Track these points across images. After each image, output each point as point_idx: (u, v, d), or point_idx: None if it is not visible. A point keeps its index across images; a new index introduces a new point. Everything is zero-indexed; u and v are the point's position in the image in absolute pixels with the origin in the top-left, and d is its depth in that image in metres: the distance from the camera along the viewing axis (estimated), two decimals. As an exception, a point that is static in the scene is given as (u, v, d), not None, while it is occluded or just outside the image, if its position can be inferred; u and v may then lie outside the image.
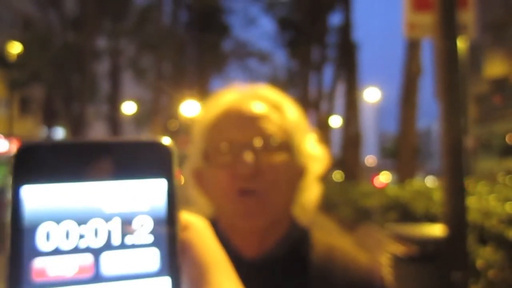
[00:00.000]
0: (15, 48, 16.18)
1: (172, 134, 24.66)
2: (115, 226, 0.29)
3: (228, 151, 0.84)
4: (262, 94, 0.90)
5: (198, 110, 21.45)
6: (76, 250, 0.28)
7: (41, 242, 0.28)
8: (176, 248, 0.29)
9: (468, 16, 3.71)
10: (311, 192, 0.91)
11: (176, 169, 0.30)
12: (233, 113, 0.86)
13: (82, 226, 0.28)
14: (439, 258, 3.07)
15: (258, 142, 0.83)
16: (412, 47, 9.91)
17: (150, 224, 0.29)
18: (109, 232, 0.29)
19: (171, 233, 0.29)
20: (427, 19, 3.71)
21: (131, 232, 0.29)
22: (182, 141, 24.64)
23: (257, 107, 0.87)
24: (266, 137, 0.84)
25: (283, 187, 0.85)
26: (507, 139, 21.12)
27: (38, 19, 17.48)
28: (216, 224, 0.89)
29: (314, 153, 0.91)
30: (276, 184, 0.83)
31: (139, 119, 26.15)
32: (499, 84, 21.52)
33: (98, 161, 0.29)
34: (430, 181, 17.81)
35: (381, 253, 3.70)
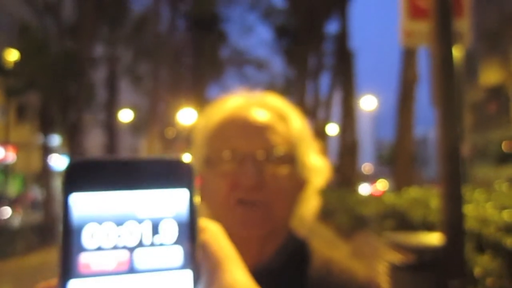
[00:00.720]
0: (12, 55, 16.16)
1: (169, 142, 24.64)
2: (146, 227, 0.34)
3: (230, 159, 0.82)
4: (268, 103, 0.88)
5: (195, 118, 21.45)
6: (115, 247, 0.34)
7: (86, 240, 0.33)
8: (195, 246, 0.35)
9: (463, 25, 3.73)
10: (310, 205, 0.90)
11: (195, 182, 0.36)
12: (238, 120, 0.84)
13: (120, 227, 0.34)
14: (437, 266, 3.06)
15: (262, 153, 0.82)
16: (409, 55, 9.96)
17: (174, 227, 0.35)
18: (141, 233, 0.34)
19: (191, 234, 0.35)
20: (423, 27, 3.73)
21: (159, 233, 0.35)
22: (179, 148, 24.61)
23: (262, 116, 0.85)
24: (270, 148, 0.82)
25: (285, 199, 0.84)
26: (503, 147, 21.19)
27: (35, 26, 17.48)
28: None
29: (317, 166, 0.89)
30: (278, 197, 0.82)
31: (136, 126, 26.12)
32: (495, 92, 21.64)
33: (133, 174, 0.35)
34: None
35: (378, 261, 3.68)
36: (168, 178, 0.36)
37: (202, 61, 26.48)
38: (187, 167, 0.36)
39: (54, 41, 17.06)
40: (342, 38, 18.42)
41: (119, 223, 0.34)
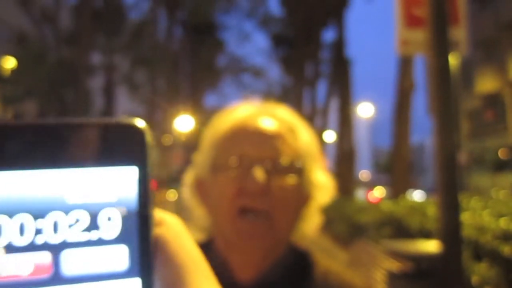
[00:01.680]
0: (9, 63, 16.17)
1: (166, 149, 24.61)
2: (78, 220, 0.25)
3: (237, 165, 0.81)
4: (278, 114, 0.88)
5: (192, 125, 21.47)
6: (32, 247, 0.25)
7: None
8: (148, 246, 0.26)
9: (459, 33, 3.76)
10: (312, 221, 0.90)
11: (150, 156, 0.27)
12: (248, 128, 0.84)
13: (39, 220, 0.25)
14: (434, 275, 3.05)
15: (269, 161, 0.81)
16: (405, 63, 10.01)
17: (118, 218, 0.26)
18: (71, 227, 0.25)
19: (142, 228, 0.26)
20: (419, 35, 3.75)
21: (96, 227, 0.26)
22: (176, 156, 24.58)
23: (272, 126, 0.85)
24: (278, 157, 0.82)
25: (288, 210, 0.83)
26: (499, 154, 21.25)
27: (33, 35, 17.51)
28: (212, 243, 0.86)
29: (321, 182, 0.89)
30: (282, 207, 0.81)
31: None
32: (491, 100, 21.74)
33: (59, 145, 0.25)
34: (420, 197, 17.81)
35: (375, 269, 3.67)
36: (110, 150, 0.26)
37: (199, 69, 26.54)
38: (138, 134, 0.26)
39: (51, 49, 17.08)
40: (338, 46, 18.51)
41: (39, 214, 0.25)
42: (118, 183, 0.26)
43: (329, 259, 0.94)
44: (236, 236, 0.80)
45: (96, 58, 20.30)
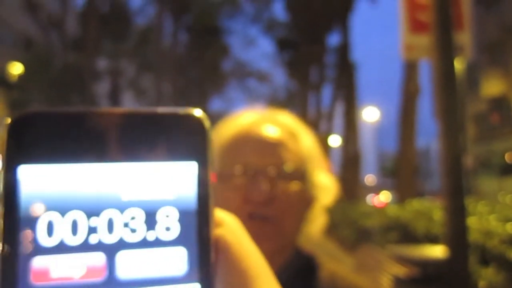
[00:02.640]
0: (16, 68, 16.29)
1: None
2: (134, 218, 0.24)
3: (242, 174, 0.83)
4: (280, 120, 0.90)
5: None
6: (84, 247, 0.23)
7: (41, 236, 0.22)
8: (208, 248, 0.24)
9: (464, 37, 3.75)
10: (317, 223, 0.91)
11: (210, 150, 0.25)
12: (251, 136, 0.86)
13: (93, 218, 0.23)
14: (441, 280, 3.04)
15: (273, 169, 0.83)
16: (410, 67, 10.00)
17: (176, 217, 0.24)
18: (127, 226, 0.23)
19: (202, 229, 0.24)
20: (424, 40, 3.76)
21: (153, 227, 0.24)
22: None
23: (274, 133, 0.86)
24: (281, 164, 0.84)
25: (294, 215, 0.85)
26: (506, 158, 21.11)
27: (39, 40, 17.65)
28: None
29: (325, 184, 0.91)
30: (288, 212, 0.83)
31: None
32: (497, 103, 21.64)
33: (115, 137, 0.23)
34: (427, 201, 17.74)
35: (382, 274, 3.66)
36: (168, 143, 0.24)
37: (204, 74, 26.61)
38: (197, 127, 0.24)
39: (58, 55, 17.20)
40: (343, 50, 18.51)
41: (93, 211, 0.23)
42: (177, 180, 0.24)
43: (335, 263, 0.95)
44: None
45: (102, 63, 20.43)
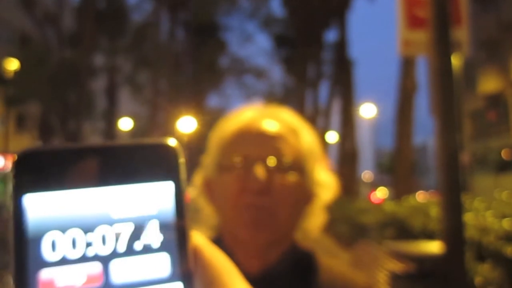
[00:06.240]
0: (12, 65, 16.22)
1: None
2: (123, 232, 0.28)
3: (241, 165, 0.85)
4: (281, 116, 0.93)
5: (194, 126, 21.49)
6: (83, 258, 0.27)
7: (47, 252, 0.27)
8: (187, 252, 0.29)
9: (462, 34, 3.75)
10: (316, 219, 0.93)
11: (183, 171, 0.30)
12: (251, 130, 0.89)
13: (89, 233, 0.28)
14: (437, 275, 3.05)
15: (272, 161, 0.85)
16: (407, 64, 10.01)
17: (158, 229, 0.29)
18: (117, 239, 0.28)
19: (180, 236, 0.29)
20: (421, 36, 3.75)
21: (139, 238, 0.28)
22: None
23: (274, 127, 0.89)
24: (280, 156, 0.86)
25: (291, 207, 0.86)
26: (502, 155, 21.19)
27: (36, 36, 17.58)
28: (220, 239, 0.90)
29: (325, 181, 0.92)
30: (284, 203, 0.85)
31: (136, 135, 26.15)
32: (494, 100, 21.70)
33: (103, 165, 0.28)
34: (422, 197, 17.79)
35: (378, 270, 3.67)
36: (148, 168, 0.29)
37: (201, 70, 26.57)
38: (171, 153, 0.29)
39: (54, 51, 17.14)
40: (341, 46, 18.51)
41: (88, 228, 0.28)
42: (157, 197, 0.29)
43: (332, 259, 0.95)
44: (239, 228, 0.84)
45: (99, 59, 20.37)
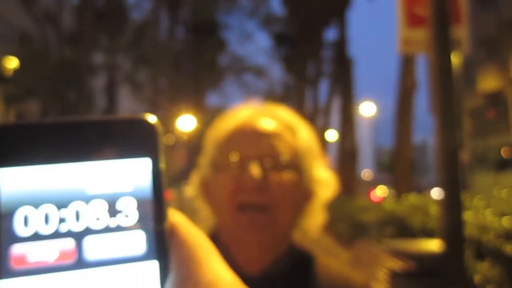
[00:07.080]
0: (11, 63, 16.20)
1: (168, 148, 24.64)
2: (98, 208, 0.28)
3: (237, 164, 0.84)
4: (278, 114, 0.91)
5: (194, 125, 21.49)
6: (56, 234, 0.27)
7: (19, 227, 0.26)
8: (163, 230, 0.28)
9: (461, 32, 3.75)
10: (316, 218, 0.91)
11: (161, 148, 0.29)
12: (247, 128, 0.87)
13: (63, 209, 0.27)
14: (437, 274, 3.05)
15: (268, 159, 0.84)
16: (407, 62, 10.00)
17: (134, 206, 0.28)
18: (92, 215, 0.27)
19: (157, 214, 0.28)
20: (421, 35, 3.75)
21: (115, 215, 0.28)
22: (178, 156, 24.61)
23: (270, 125, 0.88)
24: (276, 154, 0.84)
25: (289, 205, 0.85)
26: (502, 153, 21.20)
27: (35, 35, 17.56)
28: (217, 237, 0.89)
29: (323, 179, 0.91)
30: (282, 202, 0.83)
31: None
32: (493, 99, 21.69)
33: (78, 141, 0.28)
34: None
35: (378, 268, 3.67)
36: (125, 144, 0.28)
37: (201, 69, 26.54)
38: (149, 129, 0.29)
39: (53, 49, 17.12)
40: (341, 45, 18.49)
41: (62, 204, 0.27)
42: (134, 174, 0.28)
43: (331, 258, 0.95)
44: (237, 230, 0.83)
45: (98, 57, 20.34)
